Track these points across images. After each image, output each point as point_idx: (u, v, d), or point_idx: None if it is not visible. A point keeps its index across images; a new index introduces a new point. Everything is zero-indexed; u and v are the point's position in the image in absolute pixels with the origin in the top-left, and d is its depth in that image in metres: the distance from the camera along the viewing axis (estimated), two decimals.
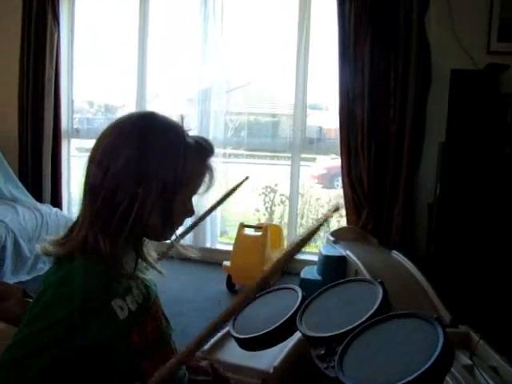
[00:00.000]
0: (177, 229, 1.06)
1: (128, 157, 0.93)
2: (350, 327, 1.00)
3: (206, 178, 1.05)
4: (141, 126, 0.98)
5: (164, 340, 1.07)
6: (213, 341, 2.11)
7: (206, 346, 2.07)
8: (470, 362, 1.87)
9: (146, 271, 1.10)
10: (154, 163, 0.94)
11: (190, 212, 1.05)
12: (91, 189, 0.96)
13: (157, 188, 0.94)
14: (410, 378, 0.80)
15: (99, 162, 0.95)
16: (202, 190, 1.06)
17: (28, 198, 3.81)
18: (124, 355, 0.98)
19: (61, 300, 0.88)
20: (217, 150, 4.25)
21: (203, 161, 1.03)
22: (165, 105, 4.46)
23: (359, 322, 1.01)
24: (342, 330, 1.00)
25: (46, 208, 3.74)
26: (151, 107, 4.34)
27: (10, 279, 3.11)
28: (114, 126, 0.99)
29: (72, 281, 0.89)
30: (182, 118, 1.02)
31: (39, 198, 4.04)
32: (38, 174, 4.15)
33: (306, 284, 3.04)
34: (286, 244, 3.93)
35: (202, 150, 1.02)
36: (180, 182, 0.97)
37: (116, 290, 0.95)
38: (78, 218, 0.99)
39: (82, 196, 0.98)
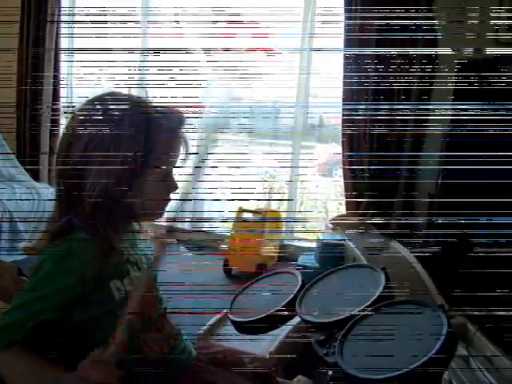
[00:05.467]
0: (165, 205, 1.05)
1: (87, 142, 0.95)
2: (351, 313, 0.98)
3: (182, 149, 1.04)
4: (96, 109, 0.99)
5: (156, 314, 1.06)
6: (208, 324, 2.10)
7: (202, 330, 2.06)
8: (466, 352, 1.86)
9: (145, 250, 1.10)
10: (113, 143, 0.94)
11: (173, 186, 1.05)
12: (60, 175, 0.98)
13: (121, 166, 0.94)
14: (413, 366, 0.78)
15: (60, 147, 0.99)
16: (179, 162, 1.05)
17: (25, 177, 3.77)
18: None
19: (61, 272, 0.90)
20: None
21: (171, 131, 1.01)
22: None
23: (361, 308, 0.98)
24: (343, 316, 0.98)
25: (44, 187, 3.70)
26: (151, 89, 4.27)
27: (5, 258, 3.09)
28: (77, 113, 1.00)
29: (72, 255, 0.91)
30: (146, 92, 1.02)
31: (36, 176, 3.99)
32: (36, 152, 4.10)
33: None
34: (283, 229, 3.91)
35: (168, 121, 1.01)
36: (148, 155, 0.96)
37: (114, 273, 0.97)
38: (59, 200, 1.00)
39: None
